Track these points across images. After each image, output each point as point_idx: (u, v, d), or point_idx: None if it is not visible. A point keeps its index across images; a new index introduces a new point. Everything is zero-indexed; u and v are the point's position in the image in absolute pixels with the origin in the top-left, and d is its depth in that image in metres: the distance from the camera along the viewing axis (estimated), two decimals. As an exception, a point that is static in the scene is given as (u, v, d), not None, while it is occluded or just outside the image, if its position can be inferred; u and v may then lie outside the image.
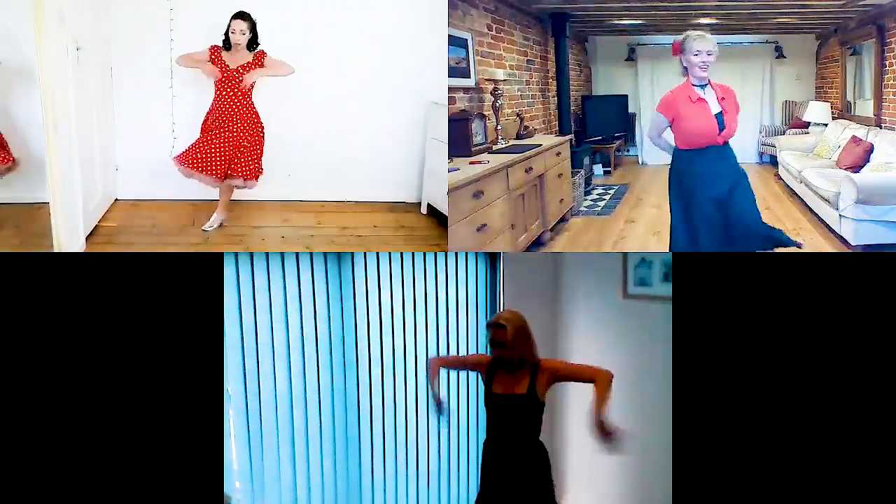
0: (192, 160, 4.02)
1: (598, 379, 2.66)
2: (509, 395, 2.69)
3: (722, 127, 3.33)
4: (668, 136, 3.51)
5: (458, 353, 3.76)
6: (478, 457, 3.89)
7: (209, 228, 4.13)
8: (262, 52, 4.07)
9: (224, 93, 4.04)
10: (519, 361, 2.72)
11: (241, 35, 3.97)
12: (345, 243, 4.04)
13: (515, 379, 2.71)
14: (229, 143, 4.04)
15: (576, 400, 3.96)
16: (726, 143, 3.40)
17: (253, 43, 4.04)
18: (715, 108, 3.33)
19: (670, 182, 3.55)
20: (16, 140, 4.25)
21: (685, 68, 3.34)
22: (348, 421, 3.45)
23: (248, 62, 4.03)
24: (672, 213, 3.60)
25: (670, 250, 3.71)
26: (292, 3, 4.19)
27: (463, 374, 3.79)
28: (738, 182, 3.48)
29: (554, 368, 2.75)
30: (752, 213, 3.52)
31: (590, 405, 2.60)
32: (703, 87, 3.33)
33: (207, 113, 4.11)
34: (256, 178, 4.17)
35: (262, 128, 4.15)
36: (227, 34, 4.01)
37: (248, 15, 4.00)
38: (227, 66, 4.02)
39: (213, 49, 4.03)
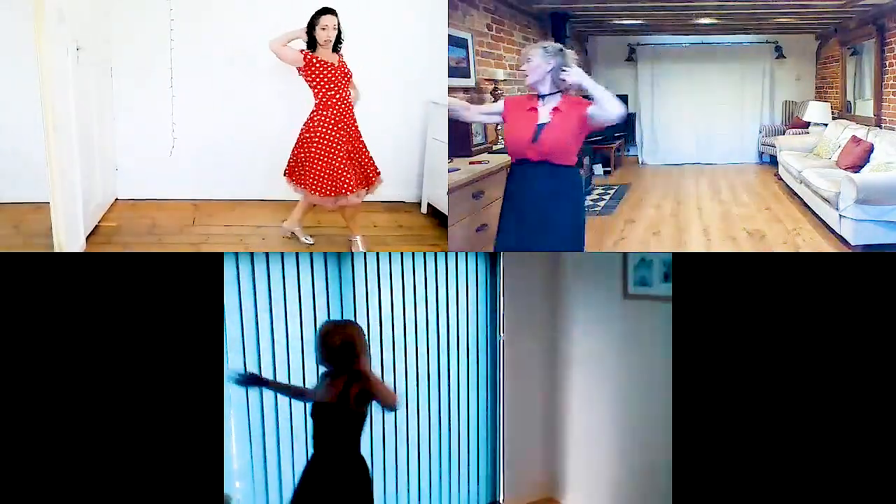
0: (330, 186, 3.73)
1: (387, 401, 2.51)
2: (326, 404, 2.47)
3: (535, 138, 2.85)
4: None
5: (457, 354, 3.77)
6: (479, 457, 3.90)
7: (309, 241, 3.99)
8: (344, 62, 3.76)
9: (338, 93, 3.68)
10: (339, 367, 2.49)
11: (332, 31, 3.62)
12: (345, 243, 4.03)
13: (333, 386, 2.47)
14: (356, 151, 3.83)
15: (575, 399, 3.97)
16: (548, 163, 2.87)
17: (337, 43, 3.72)
18: (543, 118, 2.88)
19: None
20: (15, 140, 4.27)
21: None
22: (348, 421, 3.44)
23: (341, 58, 3.73)
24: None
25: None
26: (292, 4, 4.18)
27: (463, 376, 3.79)
28: (553, 207, 2.91)
29: (366, 377, 2.47)
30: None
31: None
32: (542, 97, 2.91)
33: (316, 125, 3.72)
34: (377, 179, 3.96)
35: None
36: (311, 32, 3.63)
37: (336, 12, 3.65)
38: (332, 64, 3.63)
39: (304, 53, 3.64)
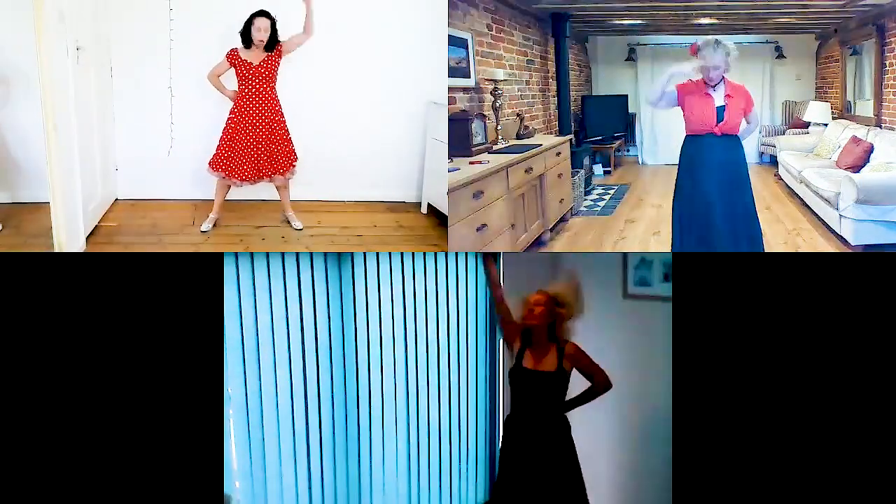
0: (224, 165, 4.10)
1: (599, 382, 3.00)
2: (539, 372, 2.91)
3: (720, 119, 3.68)
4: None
5: (457, 355, 3.76)
6: (478, 458, 3.90)
7: (207, 229, 4.14)
8: (279, 45, 4.12)
9: (250, 89, 4.06)
10: (549, 335, 2.94)
11: (264, 32, 3.99)
12: (345, 243, 4.04)
13: (543, 355, 2.93)
14: (261, 143, 4.11)
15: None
16: (725, 135, 3.72)
17: (271, 45, 4.06)
18: (719, 102, 3.70)
19: (679, 166, 3.91)
20: (15, 140, 4.27)
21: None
22: (348, 421, 3.45)
23: (270, 55, 4.07)
24: (674, 198, 3.94)
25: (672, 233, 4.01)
26: (293, 4, 4.19)
27: (462, 375, 3.79)
28: (737, 178, 3.80)
29: (578, 356, 2.97)
30: (745, 211, 3.83)
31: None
32: (713, 86, 3.72)
33: (231, 112, 4.11)
34: (292, 166, 4.26)
35: (283, 122, 4.22)
36: (247, 32, 4.01)
37: (270, 14, 4.02)
38: (251, 63, 4.04)
39: (232, 53, 4.05)
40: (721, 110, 3.69)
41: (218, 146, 4.12)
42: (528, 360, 2.95)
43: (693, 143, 3.80)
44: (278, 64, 4.10)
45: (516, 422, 2.97)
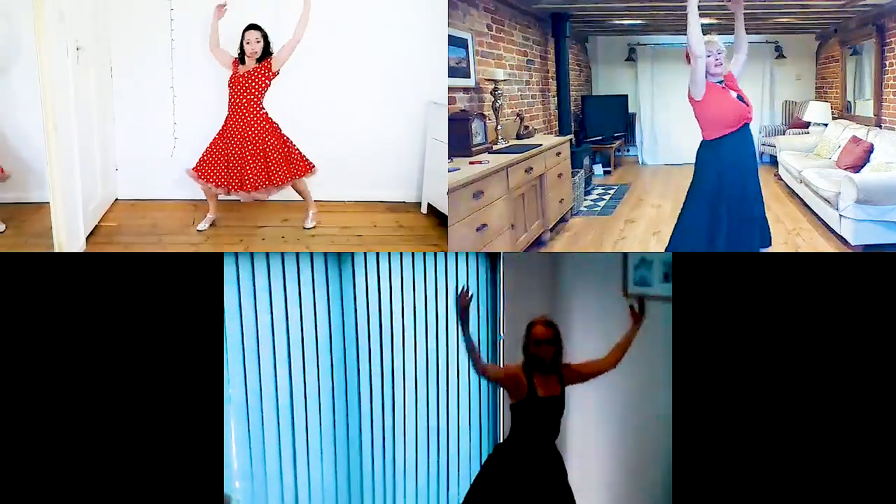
0: (198, 167, 4.10)
1: (616, 354, 2.95)
2: (551, 397, 2.80)
3: (745, 104, 3.69)
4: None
5: (457, 354, 3.76)
6: (480, 456, 3.90)
7: (203, 228, 4.14)
8: (269, 58, 4.07)
9: (231, 100, 4.07)
10: (553, 363, 2.82)
11: (255, 44, 3.99)
12: (345, 243, 4.04)
13: (550, 380, 2.82)
14: (232, 153, 4.08)
15: (575, 400, 3.96)
16: (748, 124, 3.74)
17: (265, 55, 4.05)
18: (733, 94, 3.71)
19: (694, 176, 3.86)
20: (15, 140, 4.27)
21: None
22: (348, 421, 3.45)
23: (256, 67, 4.03)
24: (688, 205, 3.87)
25: (668, 249, 3.92)
26: (293, 4, 4.19)
27: (463, 375, 3.79)
28: (754, 171, 3.85)
29: (577, 369, 2.88)
30: (757, 204, 3.87)
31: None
32: (719, 83, 3.69)
33: (223, 125, 4.12)
34: (269, 187, 4.14)
35: (276, 133, 4.13)
36: (241, 46, 4.03)
37: (260, 27, 4.03)
38: (235, 72, 4.05)
39: (235, 60, 4.07)
40: (740, 98, 3.71)
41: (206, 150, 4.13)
42: (540, 389, 2.82)
43: (727, 143, 3.73)
44: (265, 77, 4.03)
45: (512, 449, 2.85)
